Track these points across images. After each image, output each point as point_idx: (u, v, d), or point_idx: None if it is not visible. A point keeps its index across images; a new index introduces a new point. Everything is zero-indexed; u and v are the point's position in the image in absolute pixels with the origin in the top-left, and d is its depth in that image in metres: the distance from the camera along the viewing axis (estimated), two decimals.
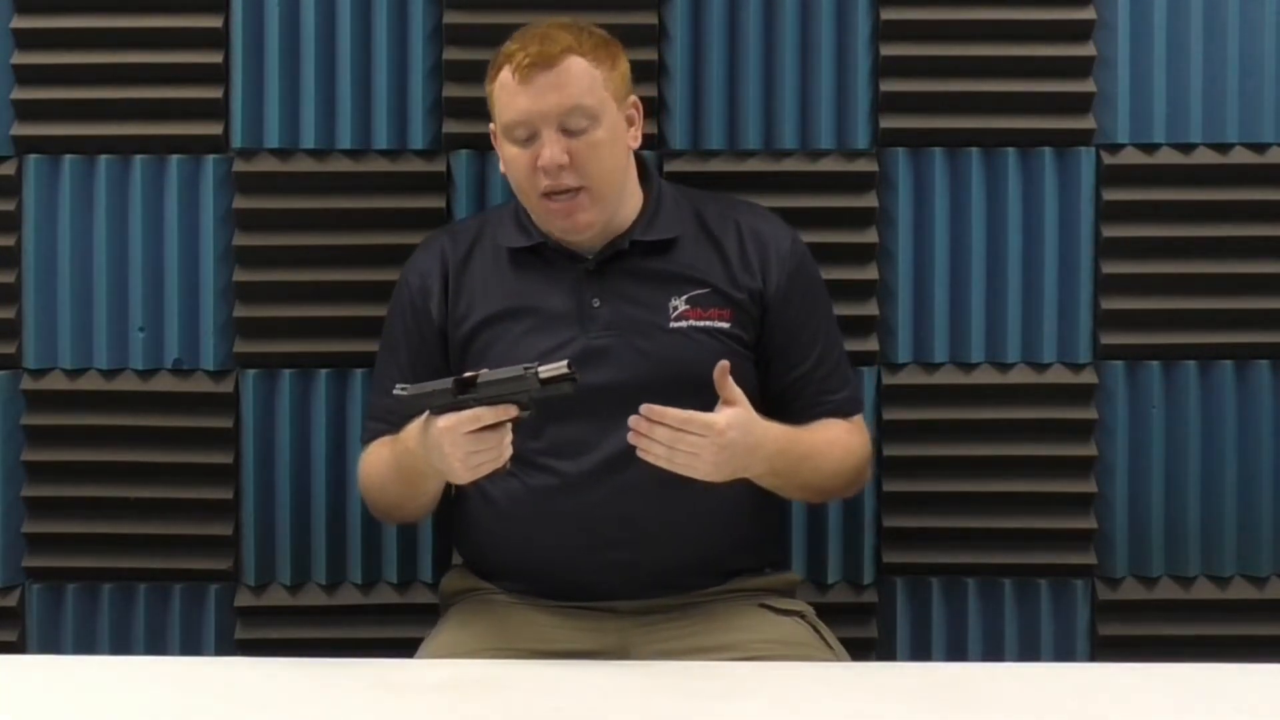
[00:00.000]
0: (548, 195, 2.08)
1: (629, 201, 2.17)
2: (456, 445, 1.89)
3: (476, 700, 1.71)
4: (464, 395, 1.87)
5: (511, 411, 1.88)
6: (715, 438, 1.91)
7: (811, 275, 2.23)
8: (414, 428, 2.00)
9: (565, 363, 1.85)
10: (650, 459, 1.92)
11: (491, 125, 2.17)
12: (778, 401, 2.14)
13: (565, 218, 2.10)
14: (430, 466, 1.98)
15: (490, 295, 2.17)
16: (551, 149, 2.06)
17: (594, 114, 2.07)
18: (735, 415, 1.94)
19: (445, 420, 1.89)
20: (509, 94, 2.08)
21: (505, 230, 2.20)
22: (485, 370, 1.89)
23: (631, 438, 1.91)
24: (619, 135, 2.12)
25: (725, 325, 2.13)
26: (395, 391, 1.92)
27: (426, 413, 1.94)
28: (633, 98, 2.18)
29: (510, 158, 2.11)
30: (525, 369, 1.85)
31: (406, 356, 2.20)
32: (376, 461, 2.17)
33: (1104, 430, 2.51)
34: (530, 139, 2.08)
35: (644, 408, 1.90)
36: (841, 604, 2.49)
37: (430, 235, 2.34)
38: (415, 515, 2.28)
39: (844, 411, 2.20)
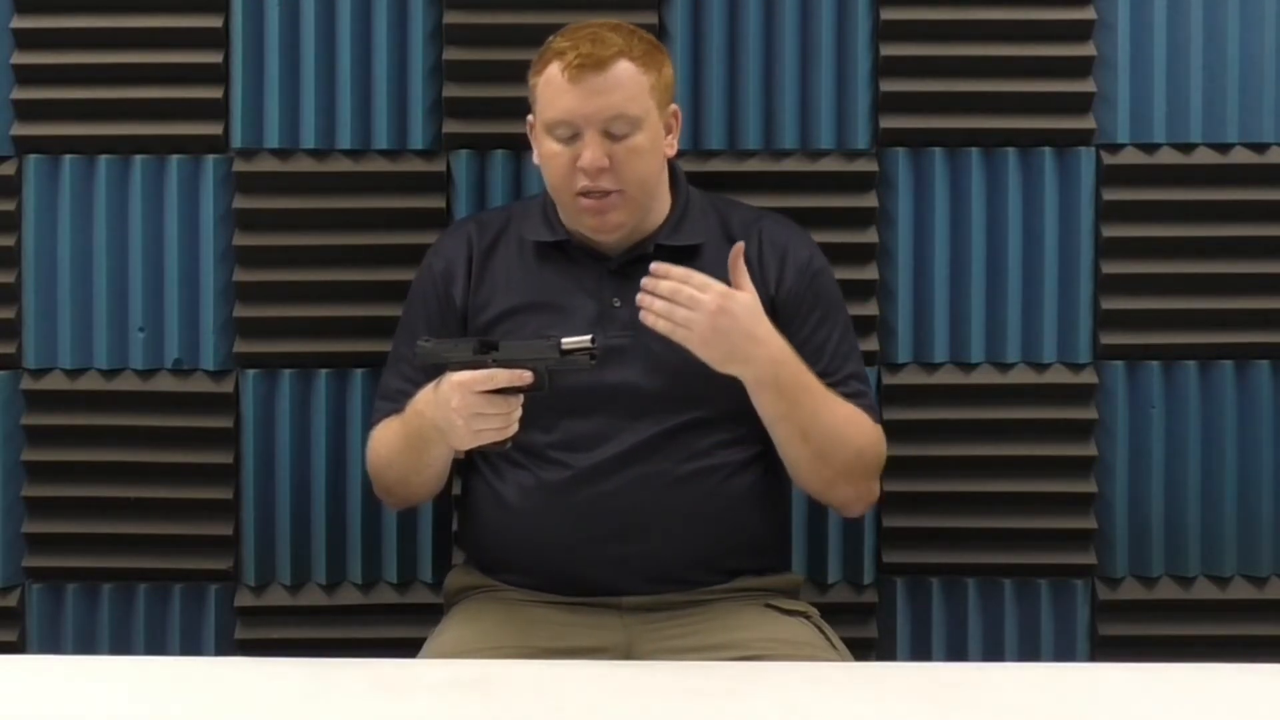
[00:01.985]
0: (582, 194, 2.09)
1: (657, 206, 2.18)
2: (465, 402, 1.92)
3: (476, 700, 1.71)
4: (484, 355, 1.92)
5: (526, 377, 1.91)
6: (714, 297, 1.94)
7: (826, 288, 2.22)
8: (426, 390, 2.02)
9: (589, 336, 1.90)
10: (650, 321, 1.96)
11: (530, 118, 2.17)
12: None
13: (597, 216, 2.10)
14: (436, 430, 1.99)
15: (511, 288, 2.18)
16: (593, 151, 2.06)
17: (637, 120, 2.08)
18: (740, 295, 1.97)
19: (460, 375, 1.93)
20: (555, 91, 2.08)
21: (532, 224, 2.21)
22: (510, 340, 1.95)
23: (639, 298, 1.96)
24: (658, 142, 2.13)
25: None
26: (419, 343, 1.98)
27: (442, 375, 1.97)
28: (673, 106, 2.18)
29: (549, 154, 2.11)
30: (550, 339, 1.91)
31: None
32: (385, 435, 2.17)
33: (1104, 430, 2.51)
34: (572, 138, 2.08)
35: (653, 266, 1.95)
36: (841, 604, 2.49)
37: (457, 222, 2.36)
38: (419, 493, 2.23)
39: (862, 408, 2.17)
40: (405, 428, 2.09)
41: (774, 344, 2.01)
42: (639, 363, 2.11)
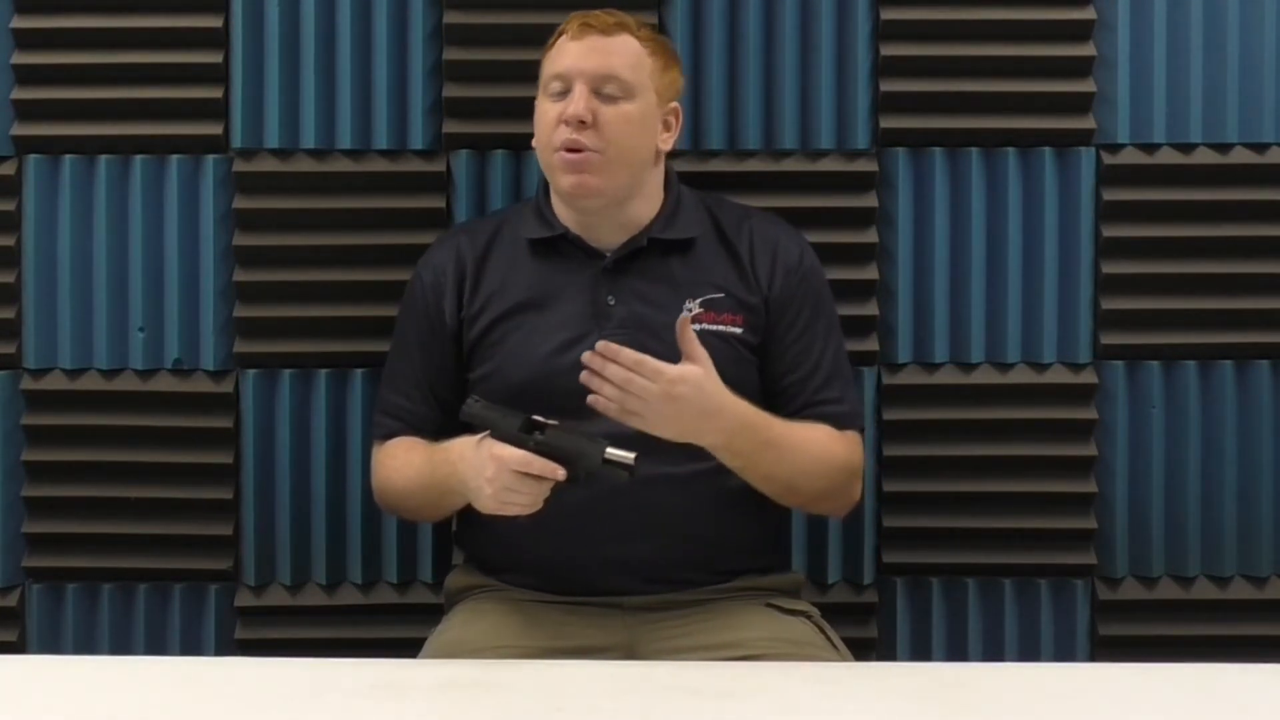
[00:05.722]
0: (563, 150, 2.11)
1: (650, 201, 2.20)
2: (499, 476, 1.92)
3: (476, 700, 1.71)
4: (529, 434, 1.91)
5: (559, 474, 1.90)
6: (665, 385, 1.92)
7: (817, 286, 2.23)
8: (461, 443, 2.02)
9: (633, 456, 1.89)
10: (601, 405, 1.94)
11: (536, 101, 2.20)
12: (773, 405, 2.14)
13: (574, 172, 2.11)
14: (463, 485, 2.00)
15: (508, 289, 2.19)
16: (577, 103, 2.10)
17: (630, 89, 2.13)
18: (690, 371, 1.95)
19: (500, 449, 1.92)
20: (558, 51, 2.15)
21: (526, 223, 2.23)
22: (558, 422, 1.92)
23: (583, 377, 1.93)
24: (649, 124, 2.16)
25: (738, 331, 2.14)
26: (467, 404, 1.96)
27: (483, 434, 1.96)
28: (675, 105, 2.22)
29: (540, 112, 2.16)
30: (595, 440, 1.89)
31: (418, 353, 2.23)
32: (404, 467, 2.18)
33: (1104, 430, 2.51)
34: (564, 94, 2.12)
35: (599, 344, 1.93)
36: (841, 604, 2.49)
37: (447, 232, 2.37)
38: (429, 520, 2.40)
39: (837, 422, 2.17)
40: (432, 472, 2.10)
41: (727, 415, 1.99)
42: None
